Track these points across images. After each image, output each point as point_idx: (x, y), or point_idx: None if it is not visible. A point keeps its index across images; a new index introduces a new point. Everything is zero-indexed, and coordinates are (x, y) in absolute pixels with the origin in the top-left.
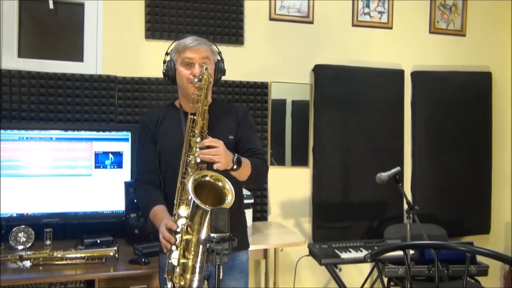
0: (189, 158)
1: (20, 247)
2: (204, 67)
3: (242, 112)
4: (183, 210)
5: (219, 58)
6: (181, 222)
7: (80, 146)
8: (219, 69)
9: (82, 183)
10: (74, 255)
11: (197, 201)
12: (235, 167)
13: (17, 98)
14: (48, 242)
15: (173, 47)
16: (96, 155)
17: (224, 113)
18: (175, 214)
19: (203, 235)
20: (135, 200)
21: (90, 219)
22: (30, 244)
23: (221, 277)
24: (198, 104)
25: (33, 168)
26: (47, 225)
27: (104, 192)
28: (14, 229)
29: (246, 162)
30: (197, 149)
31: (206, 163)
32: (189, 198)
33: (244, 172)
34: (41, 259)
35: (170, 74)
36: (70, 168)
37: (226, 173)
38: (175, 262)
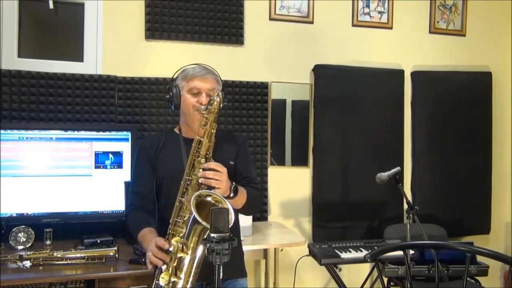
0: (190, 178)
1: (20, 247)
2: (216, 93)
3: (241, 141)
4: (180, 229)
5: (221, 88)
6: (176, 241)
7: (80, 146)
8: (221, 99)
9: (82, 183)
10: (74, 255)
11: (198, 217)
12: (231, 195)
13: (17, 98)
14: (48, 242)
15: (179, 74)
16: (96, 155)
17: (225, 140)
18: (169, 233)
19: (198, 253)
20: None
21: (90, 219)
22: (30, 244)
23: (221, 277)
24: (206, 126)
25: (33, 168)
26: (47, 225)
27: (104, 192)
28: (14, 229)
29: (242, 191)
30: (200, 170)
31: (206, 185)
32: (186, 218)
33: (240, 201)
34: (41, 259)
35: (175, 100)
36: (70, 168)
37: None
38: (163, 283)
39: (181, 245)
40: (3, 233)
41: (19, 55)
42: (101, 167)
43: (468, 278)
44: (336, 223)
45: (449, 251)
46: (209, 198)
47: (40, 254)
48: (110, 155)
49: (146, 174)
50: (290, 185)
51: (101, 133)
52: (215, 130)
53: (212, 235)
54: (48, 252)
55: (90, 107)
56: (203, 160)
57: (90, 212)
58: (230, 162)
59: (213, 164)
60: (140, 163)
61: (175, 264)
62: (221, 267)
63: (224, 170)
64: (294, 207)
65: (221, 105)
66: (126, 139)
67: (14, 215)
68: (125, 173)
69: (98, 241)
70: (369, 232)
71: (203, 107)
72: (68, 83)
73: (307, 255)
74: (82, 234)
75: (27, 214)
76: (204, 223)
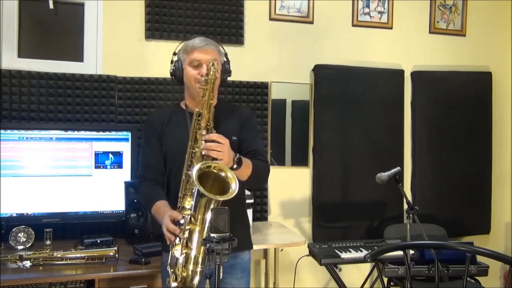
0: (194, 151)
1: (20, 247)
2: (211, 63)
3: (247, 114)
4: (188, 202)
5: (226, 60)
6: (186, 213)
7: (80, 146)
8: (225, 70)
9: (82, 183)
10: (74, 255)
11: (200, 188)
12: (235, 166)
13: (17, 98)
14: (48, 242)
15: (181, 47)
16: (96, 155)
17: (229, 114)
18: (179, 207)
19: (206, 224)
20: (135, 200)
21: (90, 219)
22: (30, 244)
23: (221, 277)
24: (204, 98)
25: (33, 168)
26: (47, 225)
27: (104, 192)
28: (14, 229)
29: (247, 163)
30: (203, 142)
31: (208, 157)
32: (193, 190)
33: (245, 172)
34: (41, 259)
35: (177, 74)
36: (70, 168)
37: None
38: (178, 254)
39: (189, 217)
40: (3, 233)
41: (19, 55)
42: (101, 167)
43: (468, 278)
44: (336, 223)
45: (449, 251)
46: (211, 168)
47: (40, 254)
48: (110, 155)
49: (154, 147)
50: (290, 185)
51: (101, 133)
52: (213, 101)
53: (212, 235)
54: (48, 252)
55: (90, 107)
56: (204, 132)
57: (90, 212)
58: (233, 138)
59: (214, 136)
60: (147, 138)
61: (186, 235)
62: (221, 267)
63: (225, 141)
64: (294, 207)
65: (224, 76)
66: (126, 139)
67: (14, 215)
68: (125, 173)
69: (98, 241)
70: (369, 232)
71: (203, 78)
72: (68, 83)
73: (307, 255)
74: (82, 234)
75: (27, 214)
76: (207, 193)
